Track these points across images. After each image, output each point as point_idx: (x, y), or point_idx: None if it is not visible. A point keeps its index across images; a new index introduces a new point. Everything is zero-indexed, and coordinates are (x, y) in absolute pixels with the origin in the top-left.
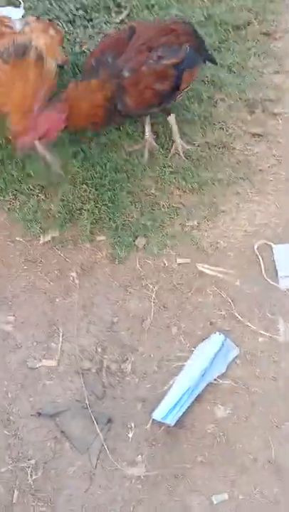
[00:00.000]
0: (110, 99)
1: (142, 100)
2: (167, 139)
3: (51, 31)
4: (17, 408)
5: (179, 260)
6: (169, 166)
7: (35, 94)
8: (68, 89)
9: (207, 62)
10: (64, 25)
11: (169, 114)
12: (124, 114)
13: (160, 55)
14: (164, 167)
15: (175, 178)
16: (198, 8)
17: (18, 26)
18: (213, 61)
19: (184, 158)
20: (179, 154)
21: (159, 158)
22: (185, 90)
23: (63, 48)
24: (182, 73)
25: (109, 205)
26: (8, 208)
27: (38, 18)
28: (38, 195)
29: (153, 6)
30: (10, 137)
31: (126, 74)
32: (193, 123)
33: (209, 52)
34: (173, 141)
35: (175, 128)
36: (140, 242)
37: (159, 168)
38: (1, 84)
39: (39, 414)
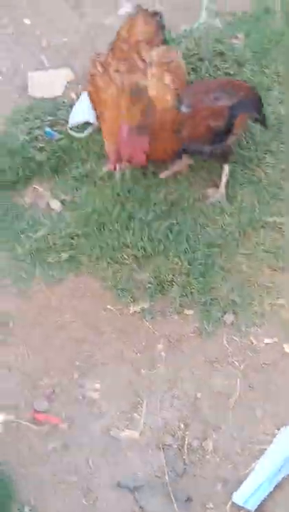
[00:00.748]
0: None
1: (195, 133)
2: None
3: (167, 79)
4: (97, 478)
5: (267, 340)
6: (262, 244)
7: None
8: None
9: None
10: None
11: (226, 163)
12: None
13: (216, 97)
14: (257, 244)
15: (267, 256)
16: None
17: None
18: (264, 124)
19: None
20: (219, 202)
21: (251, 235)
22: (237, 135)
23: None
24: (236, 116)
25: (200, 279)
26: (102, 276)
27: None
28: (131, 265)
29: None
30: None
31: (184, 110)
32: (287, 202)
33: (264, 114)
34: (218, 188)
35: (225, 179)
36: (228, 318)
37: (252, 246)
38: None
39: (118, 485)
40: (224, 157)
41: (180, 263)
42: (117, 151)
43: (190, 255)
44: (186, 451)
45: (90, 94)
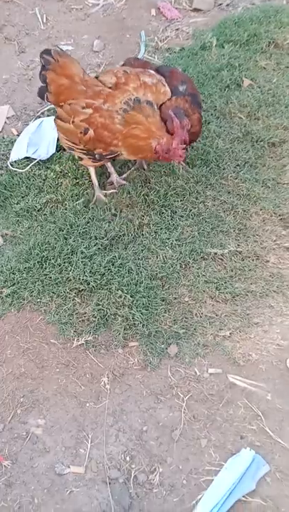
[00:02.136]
0: None
1: (198, 95)
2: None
3: (147, 80)
4: None
5: (211, 370)
6: (203, 275)
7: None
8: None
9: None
10: None
11: None
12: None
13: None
14: (198, 276)
15: (209, 287)
16: (237, 125)
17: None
18: None
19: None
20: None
21: (193, 266)
22: None
23: None
24: None
25: (143, 311)
26: (44, 310)
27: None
28: (74, 299)
29: None
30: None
31: (181, 89)
32: (228, 234)
33: None
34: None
35: None
36: (172, 350)
37: (193, 277)
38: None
39: None
40: None
41: (123, 296)
42: (177, 138)
43: (133, 288)
44: (132, 484)
45: (96, 132)
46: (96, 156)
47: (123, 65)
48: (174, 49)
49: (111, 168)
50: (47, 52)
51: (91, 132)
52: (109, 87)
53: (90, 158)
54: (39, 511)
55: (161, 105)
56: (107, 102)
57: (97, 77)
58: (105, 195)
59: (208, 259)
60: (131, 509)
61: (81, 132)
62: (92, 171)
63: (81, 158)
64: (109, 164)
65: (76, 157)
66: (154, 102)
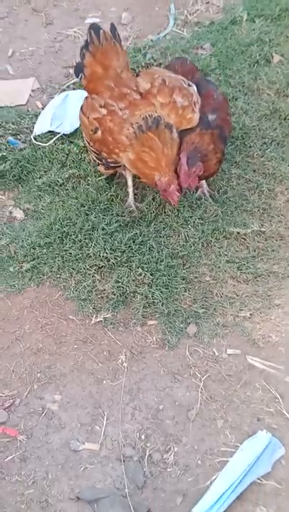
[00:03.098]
0: None
1: (230, 127)
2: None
3: (178, 100)
4: (56, 490)
5: (229, 351)
6: (225, 255)
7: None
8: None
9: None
10: None
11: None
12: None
13: (213, 89)
14: (220, 255)
15: (230, 267)
16: (265, 101)
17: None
18: None
19: (210, 201)
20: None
21: (215, 245)
22: None
23: None
24: None
25: (163, 290)
26: (64, 286)
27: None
28: (93, 276)
29: None
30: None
31: (211, 118)
32: (252, 213)
33: None
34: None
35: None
36: (191, 329)
37: (215, 257)
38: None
39: (78, 498)
40: None
41: (143, 274)
42: (179, 183)
43: (153, 266)
44: (146, 463)
45: (103, 135)
46: (103, 160)
47: (166, 67)
48: (204, 23)
49: (130, 189)
50: (95, 28)
51: (99, 133)
52: (141, 93)
53: (102, 164)
54: (53, 487)
55: (183, 130)
56: (127, 108)
57: (138, 75)
58: (136, 207)
59: (231, 239)
60: (145, 487)
61: (92, 130)
62: (129, 179)
63: (97, 164)
64: (129, 183)
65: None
66: (174, 126)
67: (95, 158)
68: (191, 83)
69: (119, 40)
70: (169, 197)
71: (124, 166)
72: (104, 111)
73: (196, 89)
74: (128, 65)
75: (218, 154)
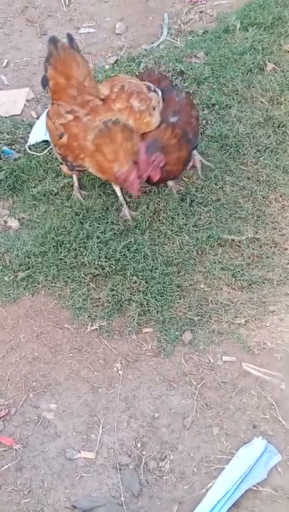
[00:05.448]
0: None
1: (195, 130)
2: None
3: (135, 105)
4: (52, 499)
5: (225, 358)
6: (220, 262)
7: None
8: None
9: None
10: None
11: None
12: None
13: (176, 94)
14: (215, 263)
15: (225, 274)
16: (258, 109)
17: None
18: None
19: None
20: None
21: (209, 253)
22: None
23: None
24: None
25: (158, 297)
26: (59, 295)
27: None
28: (88, 284)
29: (214, 105)
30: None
31: (172, 120)
32: (246, 220)
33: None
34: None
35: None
36: (186, 337)
37: (210, 264)
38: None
39: (74, 507)
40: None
41: (138, 282)
42: (138, 171)
43: (148, 274)
44: (142, 471)
45: (68, 140)
46: (68, 163)
47: (140, 74)
48: (197, 32)
49: (121, 198)
50: (53, 40)
51: (65, 138)
52: (102, 99)
53: (66, 165)
54: (49, 495)
55: (144, 134)
56: (89, 114)
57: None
58: (131, 216)
59: (226, 246)
60: (141, 496)
61: (57, 135)
62: (117, 189)
63: (61, 163)
64: (118, 193)
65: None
66: (134, 128)
67: (59, 158)
68: (156, 89)
69: (77, 49)
70: (129, 187)
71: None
72: (70, 117)
73: (160, 94)
74: (90, 72)
75: (181, 152)
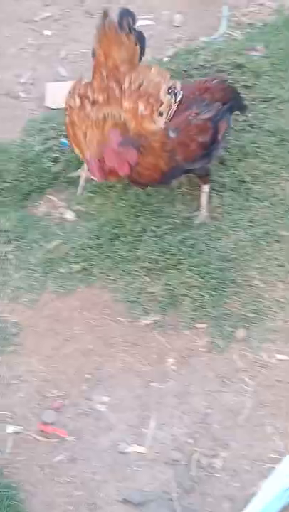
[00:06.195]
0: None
1: (189, 154)
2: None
3: (141, 108)
4: (103, 493)
5: (279, 356)
6: (276, 259)
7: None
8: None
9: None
10: None
11: (206, 184)
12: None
13: (196, 112)
14: (271, 259)
15: (281, 271)
16: None
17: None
18: (242, 109)
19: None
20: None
21: (265, 249)
22: (222, 142)
23: None
24: (217, 124)
25: (212, 293)
26: (113, 288)
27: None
28: (143, 278)
29: (272, 98)
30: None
31: (171, 135)
32: None
33: (244, 104)
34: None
35: (204, 198)
36: (240, 333)
37: (265, 260)
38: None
39: (125, 500)
40: (204, 177)
41: (192, 276)
42: (102, 159)
43: (203, 269)
44: (194, 467)
45: (66, 127)
46: None
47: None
48: (256, 24)
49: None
50: (104, 15)
51: (67, 119)
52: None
53: None
54: (101, 488)
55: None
56: (101, 104)
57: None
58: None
59: (282, 242)
60: (192, 492)
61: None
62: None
63: None
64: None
65: None
66: (133, 132)
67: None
68: (177, 92)
69: (127, 30)
70: (91, 171)
71: None
72: (78, 102)
73: (178, 98)
74: (133, 58)
75: (160, 162)
